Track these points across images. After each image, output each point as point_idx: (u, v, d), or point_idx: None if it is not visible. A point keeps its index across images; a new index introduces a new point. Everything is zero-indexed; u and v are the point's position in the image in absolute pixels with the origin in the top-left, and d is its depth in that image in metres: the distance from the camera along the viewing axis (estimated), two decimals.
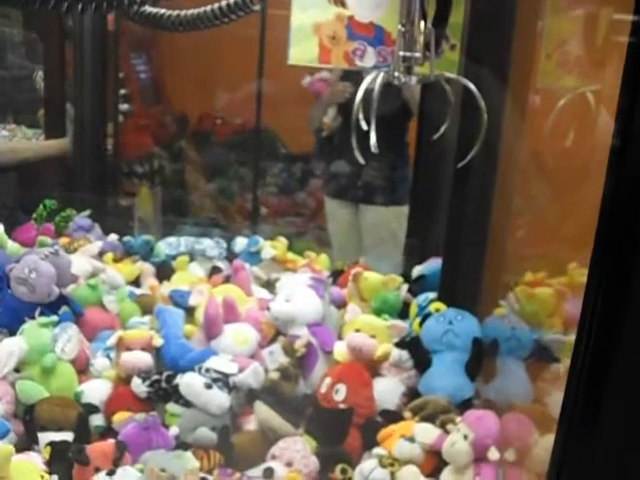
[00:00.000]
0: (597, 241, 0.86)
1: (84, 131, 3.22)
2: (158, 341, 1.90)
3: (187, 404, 1.79)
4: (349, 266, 2.59)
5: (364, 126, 1.50)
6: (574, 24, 1.97)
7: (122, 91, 4.39)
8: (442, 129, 1.77)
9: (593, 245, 0.87)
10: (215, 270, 2.59)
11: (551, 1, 2.01)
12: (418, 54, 1.51)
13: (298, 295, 1.98)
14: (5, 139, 3.68)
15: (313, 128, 3.73)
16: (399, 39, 1.49)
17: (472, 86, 1.63)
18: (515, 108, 2.03)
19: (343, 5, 1.98)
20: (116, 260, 2.60)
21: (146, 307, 2.32)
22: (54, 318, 1.97)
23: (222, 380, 1.79)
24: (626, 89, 0.82)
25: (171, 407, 1.81)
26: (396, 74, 1.50)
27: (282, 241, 2.77)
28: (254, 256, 2.73)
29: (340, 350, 1.87)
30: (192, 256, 2.75)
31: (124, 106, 4.49)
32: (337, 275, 2.52)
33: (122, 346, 1.91)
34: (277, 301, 2.00)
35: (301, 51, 2.05)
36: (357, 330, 1.89)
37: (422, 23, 1.50)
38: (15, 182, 3.11)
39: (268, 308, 1.98)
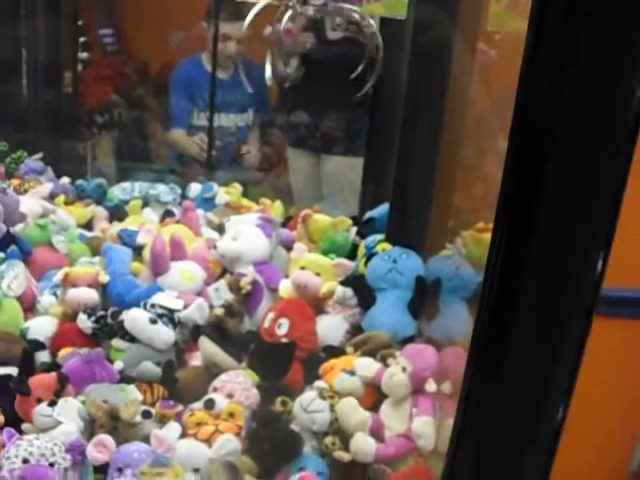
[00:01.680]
0: (501, 192, 0.89)
1: (38, 77, 3.16)
2: (104, 278, 1.90)
3: (132, 339, 1.80)
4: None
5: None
6: None
7: (81, 39, 4.32)
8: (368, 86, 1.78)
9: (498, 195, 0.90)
10: (167, 214, 2.59)
11: None
12: None
13: (245, 234, 1.99)
14: None
15: (276, 79, 3.71)
16: None
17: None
18: (464, 53, 2.03)
19: None
20: (67, 203, 2.58)
21: (97, 249, 2.29)
22: (1, 255, 1.97)
23: (167, 316, 1.80)
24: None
25: (116, 342, 1.81)
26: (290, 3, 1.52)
27: (237, 187, 2.76)
28: (208, 202, 2.72)
29: (285, 287, 1.88)
30: (146, 201, 2.73)
31: (83, 54, 4.42)
32: (289, 220, 2.53)
33: (68, 282, 1.91)
34: (224, 239, 2.01)
35: None
36: (302, 268, 1.90)
37: None
38: None
39: (215, 246, 1.99)
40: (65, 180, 2.71)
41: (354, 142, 3.53)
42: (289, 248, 2.20)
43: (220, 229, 2.49)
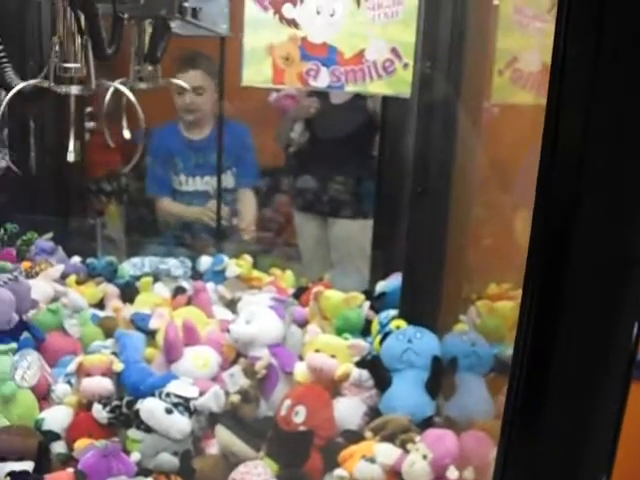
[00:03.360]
0: (530, 253, 0.88)
1: (45, 150, 3.18)
2: (118, 366, 1.89)
3: (148, 429, 1.79)
4: (314, 283, 2.60)
5: None
6: (525, 40, 1.99)
7: (88, 109, 4.36)
8: None
9: (527, 255, 0.89)
10: (179, 290, 2.58)
11: (501, 19, 2.03)
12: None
13: (258, 316, 1.98)
14: None
15: (281, 144, 3.74)
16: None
17: None
18: (468, 124, 2.05)
19: (296, 26, 1.99)
20: (79, 282, 2.59)
21: (109, 330, 2.30)
22: (13, 345, 1.96)
23: (183, 404, 1.78)
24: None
25: (132, 433, 1.80)
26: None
27: (247, 259, 2.76)
28: (219, 275, 2.73)
29: (301, 371, 1.87)
30: (157, 276, 2.74)
31: (90, 124, 4.46)
32: (301, 292, 2.53)
33: (82, 372, 1.90)
34: (237, 323, 2.00)
35: (254, 72, 2.05)
36: (317, 350, 1.89)
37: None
38: None
39: (228, 330, 1.98)
40: (76, 259, 2.72)
41: (361, 205, 3.54)
42: (302, 325, 2.19)
43: (232, 305, 2.49)
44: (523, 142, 2.17)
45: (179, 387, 1.82)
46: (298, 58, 2.03)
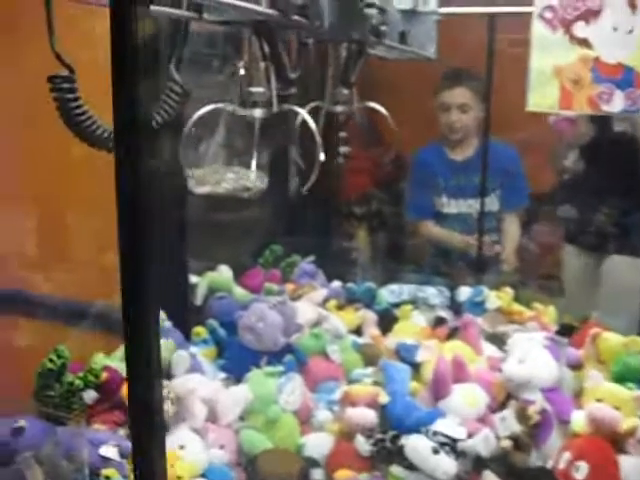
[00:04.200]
0: None
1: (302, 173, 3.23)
2: (384, 398, 1.83)
3: (411, 467, 1.71)
4: (582, 322, 2.41)
5: None
6: None
7: (342, 134, 4.43)
8: None
9: None
10: (439, 321, 2.50)
11: None
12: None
13: (533, 356, 1.84)
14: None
15: (555, 169, 3.56)
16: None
17: None
18: None
19: (588, 46, 1.84)
20: (339, 307, 2.59)
21: (369, 358, 2.27)
22: (280, 368, 1.98)
23: (450, 445, 1.69)
24: None
25: (395, 469, 1.73)
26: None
27: (507, 291, 2.62)
28: (478, 306, 2.61)
29: (578, 420, 1.70)
30: (414, 304, 2.68)
31: (344, 148, 4.53)
32: (566, 330, 2.35)
33: (347, 401, 1.86)
34: (510, 362, 1.87)
35: (541, 96, 1.92)
36: (599, 400, 1.71)
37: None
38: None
39: (500, 369, 1.86)
40: (337, 284, 2.72)
41: (630, 239, 3.28)
42: (574, 367, 2.02)
43: (493, 339, 2.36)
44: None
45: (447, 426, 1.73)
46: (589, 80, 1.87)
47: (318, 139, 1.76)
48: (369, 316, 2.58)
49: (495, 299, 2.59)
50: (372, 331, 2.51)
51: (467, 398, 1.81)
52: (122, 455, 1.61)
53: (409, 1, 2.19)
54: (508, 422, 1.74)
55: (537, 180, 3.57)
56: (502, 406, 1.85)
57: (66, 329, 2.33)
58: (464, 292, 2.70)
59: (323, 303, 2.57)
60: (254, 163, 1.83)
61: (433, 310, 2.67)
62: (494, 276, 3.07)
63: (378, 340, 2.37)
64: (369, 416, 1.81)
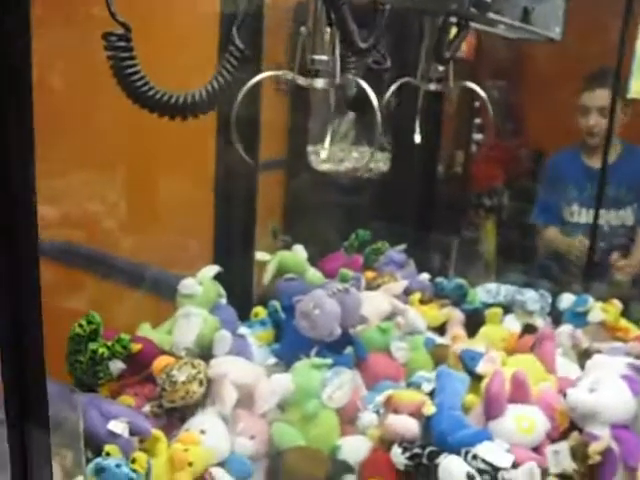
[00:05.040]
0: None
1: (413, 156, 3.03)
2: (430, 409, 1.64)
3: None
4: None
5: None
6: None
7: (476, 120, 4.22)
8: None
9: None
10: (529, 329, 2.27)
11: None
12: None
13: (605, 385, 1.60)
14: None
15: None
16: None
17: None
18: None
19: None
20: (423, 302, 2.41)
21: (440, 359, 2.08)
22: (328, 361, 1.83)
23: (489, 473, 1.48)
24: None
25: None
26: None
27: (616, 305, 2.35)
28: (580, 317, 2.36)
29: None
30: (510, 307, 2.45)
31: (478, 135, 4.31)
32: None
33: (390, 406, 1.70)
34: (578, 387, 1.63)
35: None
36: None
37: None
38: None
39: (565, 394, 1.63)
40: (424, 276, 2.54)
41: None
42: None
43: (586, 356, 2.11)
44: None
45: (491, 450, 1.52)
46: None
47: (378, 116, 1.59)
48: (455, 314, 2.40)
49: (599, 311, 2.33)
50: (455, 331, 2.32)
51: (522, 421, 1.60)
52: (132, 432, 1.53)
53: None
54: (561, 457, 1.52)
55: None
56: (564, 437, 1.62)
57: (133, 292, 2.29)
58: (567, 300, 2.46)
59: (407, 295, 2.40)
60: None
61: (530, 316, 2.45)
62: (604, 287, 2.78)
63: (457, 341, 2.17)
64: (411, 426, 1.63)
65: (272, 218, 3.15)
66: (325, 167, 3.06)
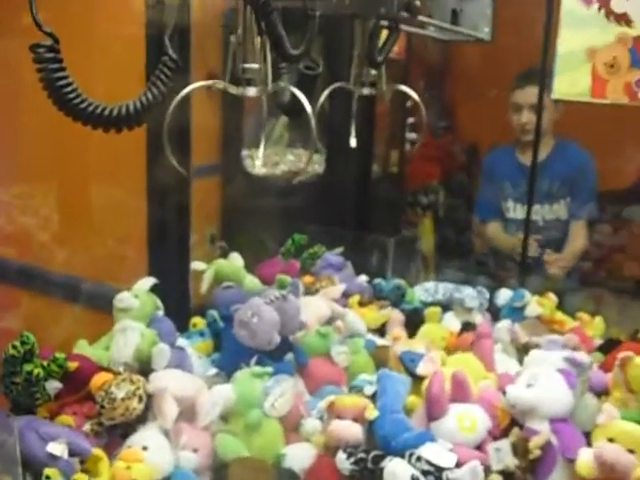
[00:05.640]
0: None
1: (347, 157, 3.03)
2: (372, 413, 1.65)
3: None
4: (631, 338, 2.17)
5: None
6: None
7: (410, 119, 4.24)
8: None
9: None
10: (468, 326, 2.29)
11: None
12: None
13: (543, 381, 1.62)
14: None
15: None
16: None
17: None
18: None
19: (628, 23, 1.58)
20: (362, 304, 2.41)
21: (381, 362, 2.09)
22: (269, 369, 1.82)
23: (433, 474, 1.49)
24: None
25: None
26: None
27: (551, 298, 2.39)
28: (517, 312, 2.39)
29: (585, 461, 1.47)
30: (449, 305, 2.47)
31: (411, 135, 4.34)
32: (610, 347, 2.11)
33: (333, 412, 1.69)
34: (516, 385, 1.66)
35: (568, 82, 1.68)
36: (610, 439, 1.49)
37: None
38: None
39: (504, 392, 1.65)
40: (362, 279, 2.54)
41: None
42: (600, 394, 1.77)
43: (525, 350, 2.13)
44: None
45: (434, 451, 1.53)
46: (627, 65, 1.61)
47: (312, 122, 1.58)
48: (394, 315, 2.40)
49: (536, 306, 2.37)
50: (396, 332, 2.32)
51: (464, 421, 1.61)
52: (72, 453, 1.49)
53: None
54: (503, 453, 1.54)
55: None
56: (506, 433, 1.64)
57: (68, 307, 2.24)
58: (504, 295, 2.49)
59: (346, 298, 2.40)
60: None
61: (469, 313, 2.47)
62: (540, 280, 2.83)
63: (397, 342, 2.18)
64: (354, 431, 1.64)
65: (209, 224, 3.12)
66: (260, 171, 3.04)
